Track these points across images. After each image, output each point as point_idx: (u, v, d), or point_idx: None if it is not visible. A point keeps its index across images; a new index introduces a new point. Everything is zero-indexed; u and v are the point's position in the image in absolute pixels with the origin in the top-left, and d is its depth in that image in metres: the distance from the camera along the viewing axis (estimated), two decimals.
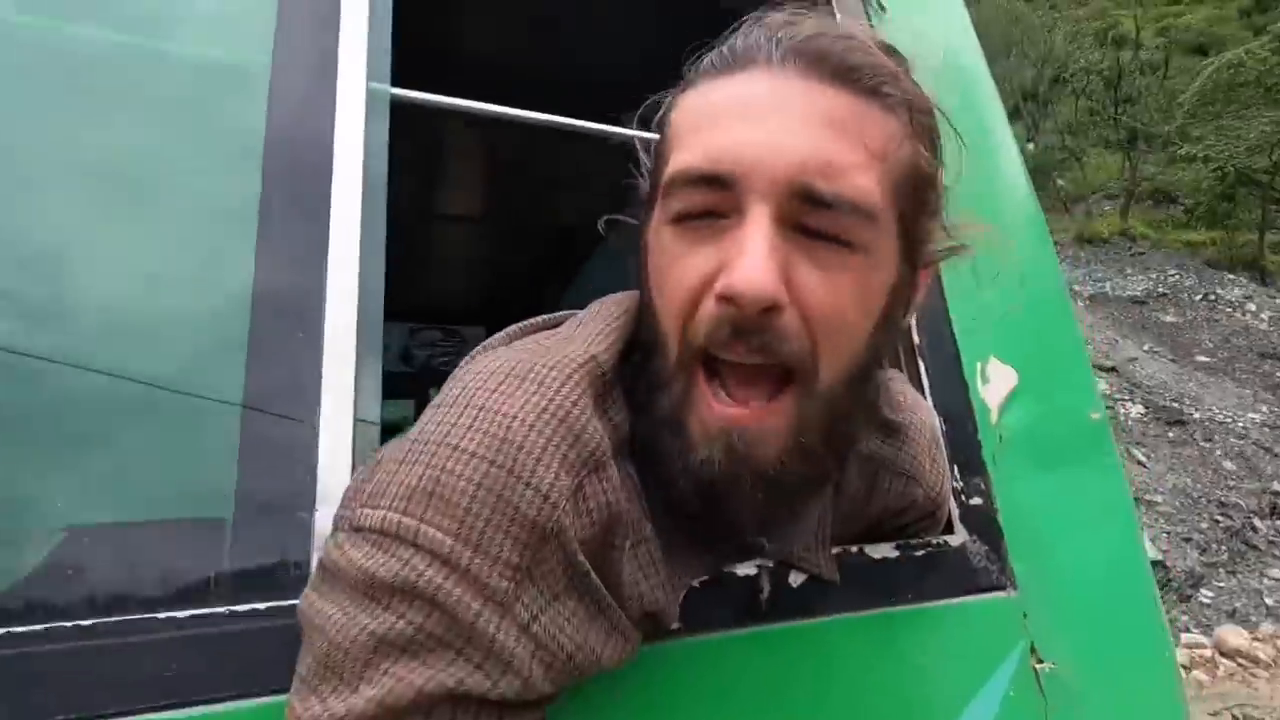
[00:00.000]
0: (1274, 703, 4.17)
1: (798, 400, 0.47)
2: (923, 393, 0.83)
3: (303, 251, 0.63)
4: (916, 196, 0.49)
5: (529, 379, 0.47)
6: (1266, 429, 9.12)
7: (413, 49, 0.81)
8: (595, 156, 0.92)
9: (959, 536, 0.77)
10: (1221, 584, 6.51)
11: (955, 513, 0.78)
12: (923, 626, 0.72)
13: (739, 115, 0.47)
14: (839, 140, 0.45)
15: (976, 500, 0.80)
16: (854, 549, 0.71)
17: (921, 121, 0.49)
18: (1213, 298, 13.32)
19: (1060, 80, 19.12)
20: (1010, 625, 0.76)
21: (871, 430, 0.67)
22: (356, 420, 0.60)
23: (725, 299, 0.44)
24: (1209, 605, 6.21)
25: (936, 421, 0.79)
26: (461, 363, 0.56)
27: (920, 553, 0.74)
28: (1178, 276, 14.18)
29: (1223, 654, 4.97)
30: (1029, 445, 0.87)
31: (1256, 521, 7.31)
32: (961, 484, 0.80)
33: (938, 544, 0.75)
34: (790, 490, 0.49)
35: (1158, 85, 18.45)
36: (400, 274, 0.65)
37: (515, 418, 0.44)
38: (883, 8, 1.00)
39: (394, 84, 0.76)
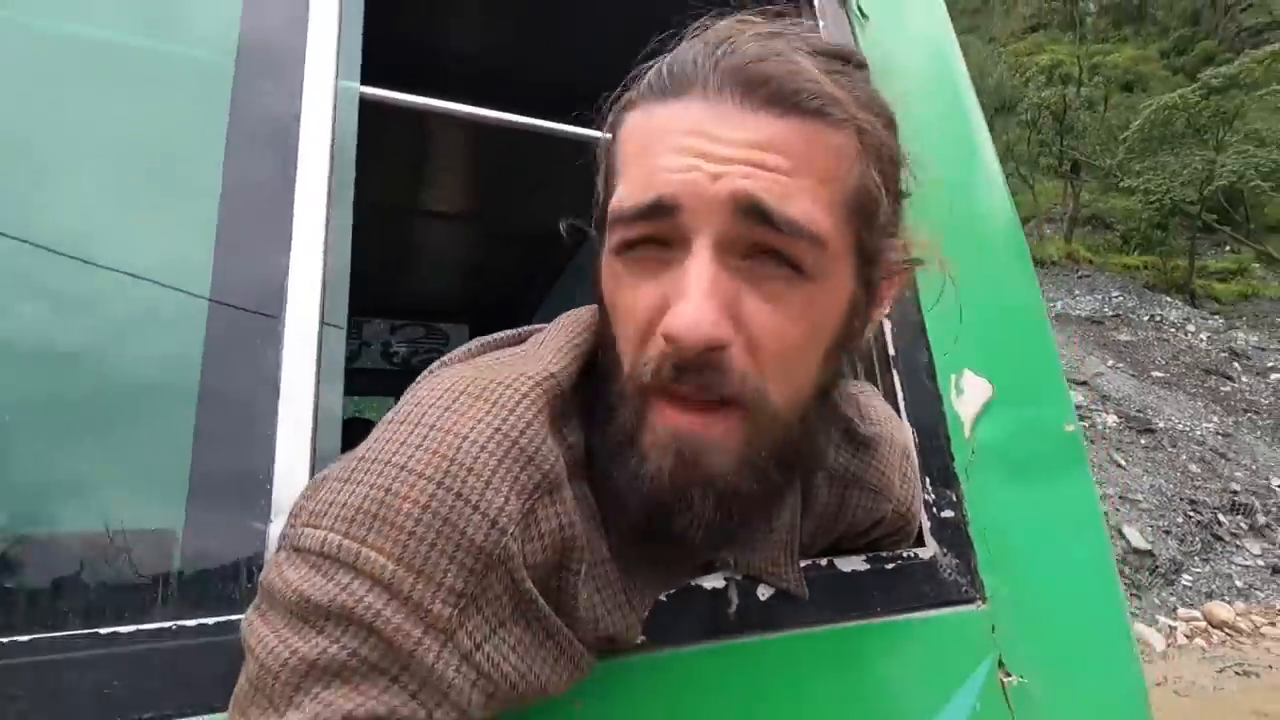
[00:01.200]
0: (1261, 661, 5.72)
1: (748, 420, 0.46)
2: (897, 404, 0.82)
3: (263, 255, 0.61)
4: (868, 215, 0.48)
5: (482, 397, 0.46)
6: (1219, 436, 10.25)
7: (406, 49, 0.79)
8: (580, 157, 0.91)
9: (929, 549, 0.77)
10: (1198, 570, 7.42)
11: (926, 525, 0.78)
12: (891, 640, 0.72)
13: (678, 145, 0.45)
14: (784, 165, 0.44)
15: (948, 513, 0.80)
16: (823, 562, 0.71)
17: (872, 139, 0.48)
18: (1158, 319, 14.76)
19: (1005, 109, 20.45)
20: (979, 638, 0.76)
21: (839, 445, 0.67)
22: (316, 425, 0.59)
23: (668, 339, 0.44)
24: (1190, 587, 7.10)
25: (908, 435, 0.78)
26: (419, 378, 0.54)
27: (890, 566, 0.74)
28: (1121, 298, 15.64)
29: (1212, 625, 6.38)
30: (1002, 457, 0.87)
31: (1221, 516, 8.30)
32: (933, 496, 0.80)
33: (908, 557, 0.75)
34: (742, 507, 0.48)
35: (1098, 121, 20.42)
36: (383, 269, 0.64)
37: (466, 438, 0.43)
38: (864, 15, 0.99)
39: (383, 83, 0.74)
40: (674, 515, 0.46)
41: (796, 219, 0.43)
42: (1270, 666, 5.66)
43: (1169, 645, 6.04)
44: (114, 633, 0.46)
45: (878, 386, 0.84)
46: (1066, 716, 0.78)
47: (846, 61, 0.49)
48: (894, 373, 0.84)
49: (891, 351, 0.85)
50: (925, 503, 0.79)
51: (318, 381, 0.60)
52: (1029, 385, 0.94)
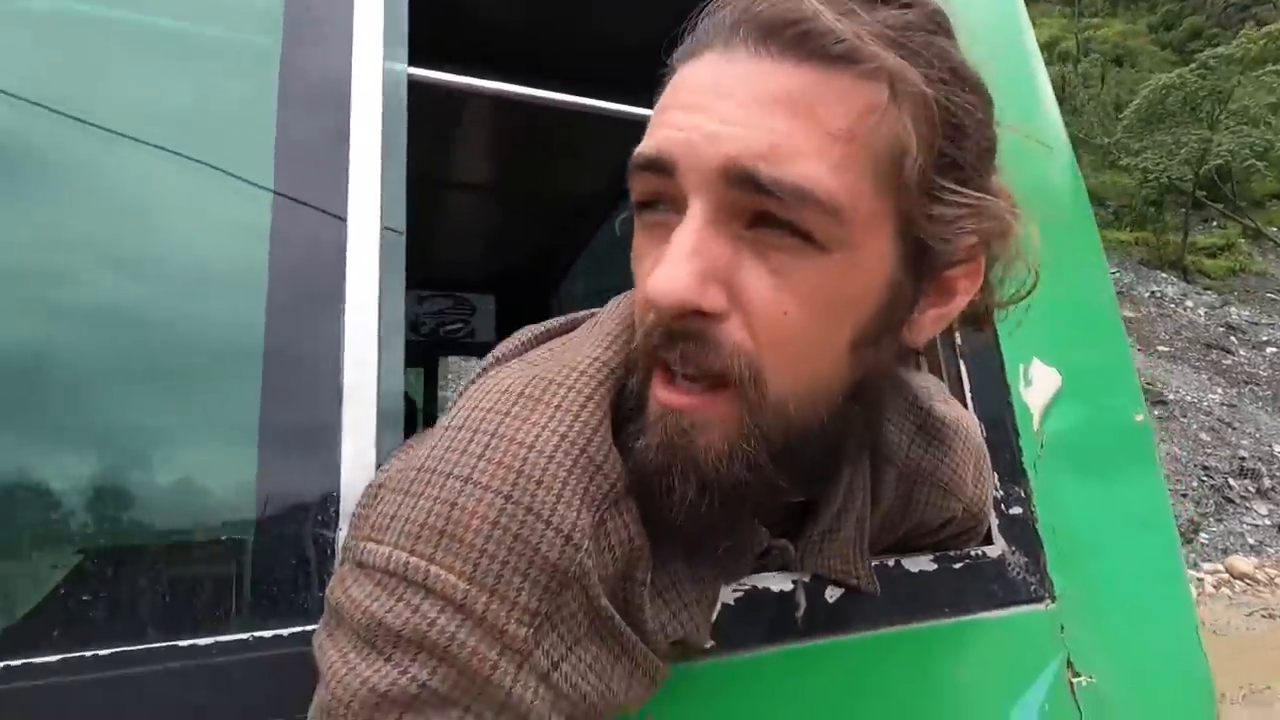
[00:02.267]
0: None
1: (741, 403, 0.42)
2: (963, 396, 0.79)
3: (318, 253, 0.59)
4: (911, 182, 0.41)
5: (543, 400, 0.44)
6: (1225, 407, 10.94)
7: (426, 15, 0.75)
8: (608, 128, 0.88)
9: (998, 547, 0.75)
10: (1214, 529, 8.15)
11: (994, 523, 0.75)
12: (960, 640, 0.70)
13: (685, 103, 0.42)
14: (788, 122, 0.39)
15: (1016, 509, 0.77)
16: (891, 562, 0.69)
17: (917, 93, 0.40)
18: (1158, 295, 15.32)
19: None
20: (1048, 638, 0.74)
21: (912, 438, 0.64)
22: (380, 425, 0.57)
23: (648, 303, 0.41)
24: (1208, 544, 7.84)
25: (979, 430, 0.75)
26: (472, 376, 0.52)
27: (958, 565, 0.72)
28: (1119, 274, 16.11)
29: (1234, 577, 7.06)
30: (1071, 451, 0.83)
31: (1231, 480, 9.07)
32: (1001, 492, 0.77)
33: (976, 555, 0.73)
34: (728, 495, 0.44)
35: (1095, 98, 20.38)
36: (409, 241, 0.62)
37: (532, 447, 0.41)
38: None
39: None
40: (659, 494, 0.43)
41: (799, 183, 0.38)
42: None
43: (1199, 594, 6.63)
44: (193, 645, 0.45)
45: (942, 376, 0.81)
46: (1136, 716, 0.76)
47: (906, 6, 0.43)
48: (960, 362, 0.80)
49: (959, 340, 0.81)
50: (993, 499, 0.76)
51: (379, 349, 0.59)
52: (1099, 372, 0.90)
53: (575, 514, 0.41)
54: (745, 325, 0.41)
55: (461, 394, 0.50)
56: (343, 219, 0.59)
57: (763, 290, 0.40)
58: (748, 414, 0.42)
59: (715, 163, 0.39)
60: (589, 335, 0.51)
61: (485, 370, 0.53)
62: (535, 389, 0.45)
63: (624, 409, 0.46)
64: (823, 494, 0.56)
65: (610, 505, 0.43)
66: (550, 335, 0.57)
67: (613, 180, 2.39)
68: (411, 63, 0.68)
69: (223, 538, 0.49)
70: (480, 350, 3.90)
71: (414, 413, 3.58)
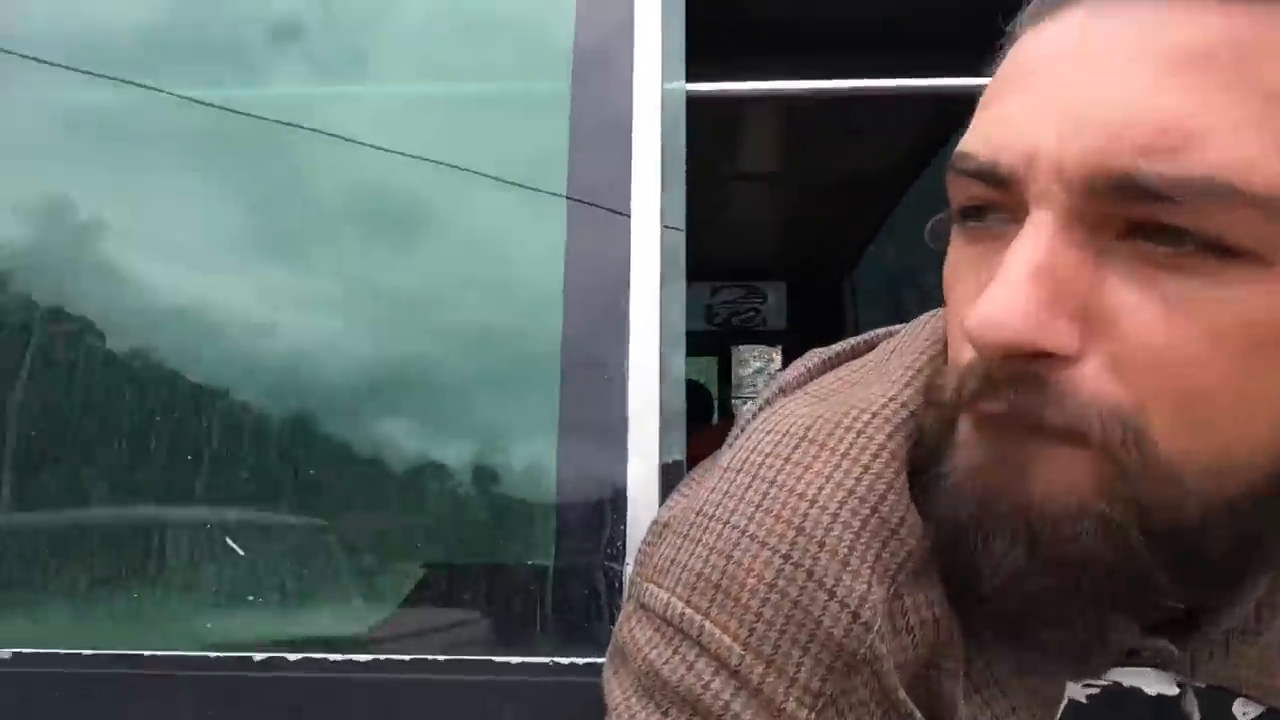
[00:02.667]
0: None
1: (1108, 464, 0.29)
2: None
3: (608, 275, 0.62)
4: None
5: (828, 446, 0.37)
6: None
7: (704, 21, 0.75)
8: (895, 104, 0.77)
9: None
10: None
11: None
12: None
13: (1030, 82, 0.31)
14: (1199, 86, 0.26)
15: None
16: None
17: None
18: None
19: None
20: None
21: None
22: (662, 426, 0.58)
23: (968, 337, 0.30)
24: None
25: None
26: (754, 407, 0.48)
27: None
28: None
29: None
30: None
31: None
32: None
33: None
34: (1068, 579, 0.31)
35: None
36: (700, 235, 0.62)
37: (814, 501, 0.35)
38: None
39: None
40: (969, 552, 0.32)
41: (1211, 175, 0.26)
42: None
43: None
44: (505, 662, 0.50)
45: None
46: None
47: None
48: None
49: None
50: None
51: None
52: None
53: (865, 586, 0.35)
54: (1114, 370, 0.29)
55: (744, 430, 0.47)
56: (626, 215, 0.62)
57: (1149, 323, 0.29)
58: (1118, 476, 0.30)
59: (1075, 170, 0.28)
60: (885, 365, 0.44)
61: (768, 402, 0.49)
62: (819, 432, 0.39)
63: (920, 463, 0.38)
64: (1219, 599, 0.40)
65: (908, 577, 0.36)
66: (839, 360, 0.50)
67: (905, 157, 2.18)
68: (695, 65, 0.68)
69: (529, 562, 0.54)
70: (771, 339, 3.92)
71: (710, 404, 3.73)
